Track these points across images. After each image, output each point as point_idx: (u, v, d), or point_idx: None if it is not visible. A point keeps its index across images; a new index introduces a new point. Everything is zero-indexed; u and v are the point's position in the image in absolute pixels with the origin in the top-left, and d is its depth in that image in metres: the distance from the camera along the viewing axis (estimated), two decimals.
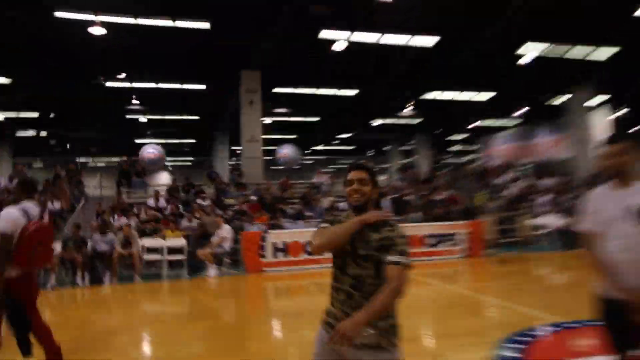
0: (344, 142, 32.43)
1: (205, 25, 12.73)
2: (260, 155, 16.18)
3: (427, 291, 7.94)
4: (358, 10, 12.69)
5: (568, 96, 19.58)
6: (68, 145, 27.61)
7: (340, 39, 13.64)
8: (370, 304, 1.86)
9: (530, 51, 15.33)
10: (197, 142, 28.69)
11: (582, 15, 12.88)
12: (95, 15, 12.01)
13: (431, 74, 17.22)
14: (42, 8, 11.70)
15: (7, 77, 16.09)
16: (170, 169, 30.43)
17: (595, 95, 19.27)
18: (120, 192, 13.93)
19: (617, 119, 21.21)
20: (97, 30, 12.54)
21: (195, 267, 10.46)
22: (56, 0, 11.56)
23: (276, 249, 10.53)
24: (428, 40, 14.10)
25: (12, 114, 20.44)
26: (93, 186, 17.12)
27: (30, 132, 23.68)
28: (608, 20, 13.62)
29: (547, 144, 21.80)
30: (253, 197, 13.41)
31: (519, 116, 23.63)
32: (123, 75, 16.48)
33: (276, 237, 10.68)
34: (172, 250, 10.25)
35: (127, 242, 9.77)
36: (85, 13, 11.98)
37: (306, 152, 31.27)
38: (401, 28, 13.52)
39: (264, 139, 23.46)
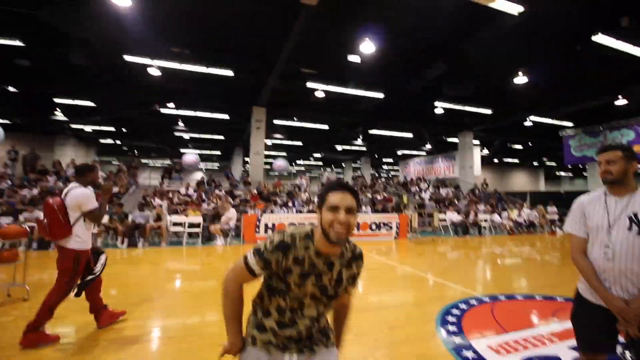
0: (317, 159, 31.36)
1: (229, 72, 11.50)
2: (262, 164, 14.89)
3: (376, 265, 6.73)
4: (332, 71, 11.73)
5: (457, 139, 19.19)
6: (135, 151, 25.64)
7: (319, 89, 12.51)
8: (341, 330, 1.41)
9: (439, 107, 14.66)
10: (221, 154, 26.97)
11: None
12: (152, 60, 10.80)
13: (376, 117, 16.39)
14: (116, 52, 10.36)
15: (92, 101, 14.48)
16: (204, 170, 28.74)
17: (473, 137, 19.01)
18: (162, 183, 12.32)
19: (482, 156, 21.07)
20: (154, 71, 11.44)
21: (208, 238, 9.14)
22: (125, 47, 10.22)
23: (266, 227, 9.21)
24: (377, 94, 13.08)
25: (96, 127, 18.52)
26: (144, 177, 15.60)
27: (109, 141, 21.65)
28: (488, 91, 13.11)
29: (443, 167, 21.34)
30: (254, 191, 12.07)
31: (428, 149, 23.11)
32: (172, 104, 14.98)
33: (267, 219, 9.40)
34: (191, 225, 8.89)
35: (158, 218, 8.36)
36: (145, 57, 10.66)
37: (292, 164, 30.56)
38: (361, 84, 12.62)
39: (266, 154, 22.49)
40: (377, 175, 28.19)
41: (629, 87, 12.45)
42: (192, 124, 18.07)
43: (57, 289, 2.87)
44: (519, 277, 5.80)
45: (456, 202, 13.84)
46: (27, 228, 4.66)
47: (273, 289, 1.20)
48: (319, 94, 13.06)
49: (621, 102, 13.81)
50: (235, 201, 10.74)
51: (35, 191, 9.62)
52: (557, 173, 36.47)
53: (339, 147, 24.69)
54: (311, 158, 31.04)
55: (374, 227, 10.21)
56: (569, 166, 29.51)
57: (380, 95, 13.21)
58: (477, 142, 20.14)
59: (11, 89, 12.92)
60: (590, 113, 15.51)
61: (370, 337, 3.10)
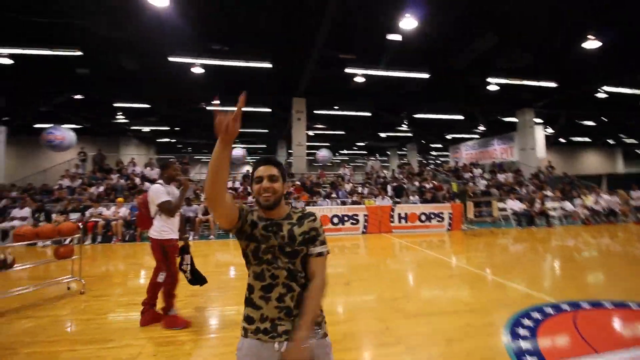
0: (360, 148, 30.55)
1: (268, 65, 11.37)
2: (304, 154, 14.68)
3: (427, 261, 6.15)
4: (371, 54, 10.99)
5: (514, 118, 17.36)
6: (189, 148, 27.04)
7: (358, 73, 11.88)
8: (305, 312, 1.20)
9: (492, 84, 13.20)
10: (267, 147, 27.39)
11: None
12: (195, 59, 11.06)
13: (422, 99, 15.30)
14: (160, 54, 10.72)
15: (147, 103, 15.35)
16: (251, 163, 29.51)
17: (534, 115, 17.06)
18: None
19: (546, 136, 18.70)
20: (197, 70, 11.72)
21: None
22: (168, 48, 10.51)
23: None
24: (421, 75, 12.10)
25: (153, 127, 19.72)
26: (196, 172, 16.19)
27: (166, 139, 23.01)
28: (551, 61, 11.51)
29: (500, 150, 19.46)
30: (298, 182, 11.91)
31: (481, 131, 21.19)
32: (217, 101, 15.26)
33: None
34: None
35: (206, 211, 8.50)
36: (187, 57, 10.94)
37: (336, 154, 30.10)
38: (403, 65, 11.72)
39: (308, 145, 22.32)
40: (425, 162, 26.62)
41: None
42: None
43: (155, 276, 3.30)
44: (603, 279, 4.87)
45: (517, 188, 12.39)
46: (80, 225, 4.88)
47: (248, 254, 1.28)
48: (359, 79, 12.42)
49: None
50: None
51: (101, 188, 10.38)
52: (639, 152, 31.61)
53: (382, 135, 23.73)
54: (355, 147, 30.33)
55: (423, 218, 9.46)
56: None
57: (425, 76, 12.20)
58: (539, 120, 17.98)
59: (77, 96, 14.11)
60: None
61: (423, 352, 2.65)
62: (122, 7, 8.27)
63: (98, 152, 13.69)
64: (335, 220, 8.89)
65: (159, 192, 3.12)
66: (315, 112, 16.89)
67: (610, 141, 27.26)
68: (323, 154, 16.93)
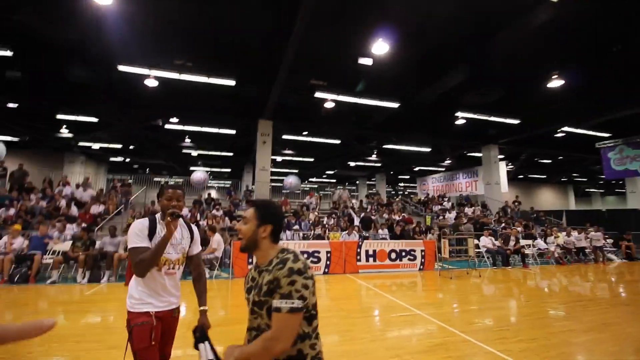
0: (330, 176, 29.78)
1: (231, 82, 10.32)
2: (268, 180, 13.41)
3: (388, 308, 4.97)
4: (342, 79, 10.37)
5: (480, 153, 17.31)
6: (147, 168, 24.83)
7: (329, 99, 11.13)
8: (244, 348, 1.18)
9: (460, 118, 13.00)
10: (231, 171, 25.79)
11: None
12: (149, 70, 9.76)
13: (391, 129, 14.87)
14: (109, 62, 9.35)
15: (95, 117, 13.60)
16: (216, 187, 27.62)
17: (499, 153, 17.12)
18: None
19: (508, 171, 18.88)
20: (151, 82, 10.38)
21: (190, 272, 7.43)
22: (119, 56, 9.12)
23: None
24: (391, 104, 11.58)
25: (103, 145, 17.70)
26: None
27: (119, 158, 20.84)
28: (516, 98, 11.54)
29: (465, 184, 19.36)
30: None
31: (447, 164, 21.16)
32: (176, 119, 13.93)
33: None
34: None
35: None
36: (141, 67, 9.61)
37: (305, 182, 29.07)
38: (374, 93, 11.16)
39: (276, 171, 21.19)
40: (393, 192, 26.23)
41: None
42: (199, 140, 16.98)
43: None
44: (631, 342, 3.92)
45: (490, 224, 11.80)
46: None
47: None
48: (329, 105, 11.69)
49: None
50: (233, 223, 9.19)
51: (12, 211, 8.42)
52: (587, 190, 33.43)
53: (352, 164, 23.13)
54: (324, 175, 29.53)
55: (393, 256, 8.34)
56: (612, 181, 26.82)
57: (395, 105, 11.71)
58: (502, 156, 18.17)
59: (10, 104, 12.16)
60: (633, 120, 13.43)
61: None
62: (62, 3, 6.99)
63: (19, 168, 11.56)
64: None
65: (133, 232, 1.86)
66: (283, 137, 15.94)
67: (564, 179, 28.49)
68: (291, 180, 15.77)
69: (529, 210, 15.74)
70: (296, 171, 23.66)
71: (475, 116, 12.88)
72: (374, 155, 19.53)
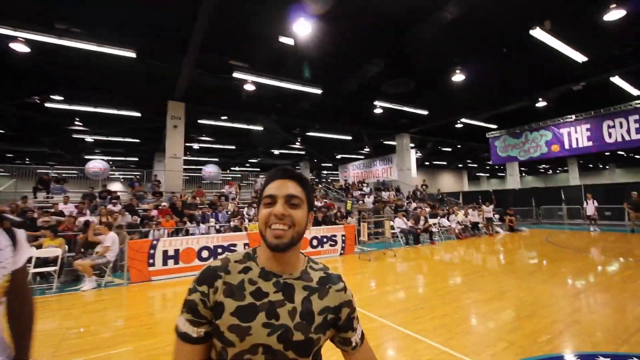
0: (253, 165, 28.61)
1: (130, 54, 8.69)
2: (181, 169, 12.00)
3: None
4: (263, 59, 9.66)
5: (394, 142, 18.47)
6: (27, 159, 20.24)
7: (249, 80, 10.29)
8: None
9: (378, 107, 13.49)
10: (139, 160, 22.73)
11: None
12: (14, 30, 7.57)
13: (314, 117, 14.69)
14: None
15: None
16: (121, 179, 24.09)
17: (410, 140, 18.45)
18: (25, 198, 8.44)
19: (417, 158, 20.65)
20: (20, 47, 8.17)
21: (74, 279, 6.02)
22: None
23: (166, 256, 6.07)
24: (314, 90, 11.31)
25: None
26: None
27: None
28: (426, 90, 12.36)
29: (382, 170, 20.48)
30: (165, 204, 9.23)
31: (366, 152, 22.12)
32: (60, 97, 11.38)
33: (168, 244, 6.19)
34: (44, 262, 5.58)
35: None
36: (5, 27, 7.35)
37: (227, 170, 27.39)
38: (297, 78, 10.82)
39: (193, 159, 19.43)
40: (316, 180, 26.61)
41: (549, 89, 12.57)
42: (95, 123, 14.32)
43: None
44: (550, 315, 4.25)
45: (403, 206, 12.56)
46: None
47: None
48: (250, 87, 10.84)
49: (541, 104, 14.09)
50: (134, 218, 7.84)
51: None
52: (477, 174, 38.90)
53: (276, 152, 22.51)
54: (247, 164, 28.23)
55: (315, 242, 8.14)
56: (496, 166, 31.40)
57: (318, 92, 11.49)
58: (412, 144, 19.68)
59: None
60: (514, 115, 15.73)
61: None
62: None
63: None
64: (205, 253, 6.43)
65: None
66: (200, 121, 14.45)
67: (460, 165, 32.53)
68: (210, 170, 14.41)
69: (434, 193, 17.34)
70: (216, 160, 22.04)
71: (391, 105, 13.48)
72: (297, 144, 19.25)
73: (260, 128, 16.10)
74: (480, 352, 2.91)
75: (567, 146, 13.95)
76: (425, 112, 14.61)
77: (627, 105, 11.85)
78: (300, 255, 0.85)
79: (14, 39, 7.94)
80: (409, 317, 3.86)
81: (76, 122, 13.84)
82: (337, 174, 25.76)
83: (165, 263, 6.08)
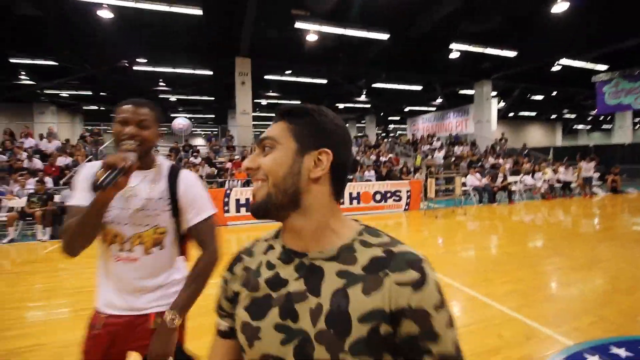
0: None
1: (197, 11, 8.92)
2: (250, 124, 12.54)
3: None
4: (327, 9, 9.09)
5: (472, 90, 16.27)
6: None
7: (311, 30, 9.84)
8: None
9: (454, 50, 11.86)
10: (215, 116, 24.26)
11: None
12: None
13: (381, 66, 13.67)
14: None
15: (53, 60, 12.05)
16: (202, 135, 26.42)
17: (491, 88, 16.08)
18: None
19: (498, 109, 18.05)
20: (105, 14, 8.93)
21: None
22: None
23: (239, 205, 6.67)
24: (381, 36, 10.34)
25: (72, 92, 16.17)
26: None
27: (94, 107, 19.25)
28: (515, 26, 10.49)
29: (456, 123, 18.66)
30: (237, 157, 9.85)
31: (438, 104, 20.17)
32: (144, 60, 12.46)
33: (239, 193, 6.72)
34: None
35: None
36: None
37: None
38: (362, 22, 9.90)
39: (263, 115, 20.07)
40: (384, 134, 25.52)
41: None
42: (175, 83, 15.54)
43: None
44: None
45: (477, 162, 11.40)
46: None
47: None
48: (312, 38, 10.39)
49: None
50: (212, 170, 8.58)
51: None
52: (575, 127, 33.00)
53: (340, 105, 21.95)
54: None
55: (378, 197, 7.93)
56: (600, 118, 26.31)
57: (385, 37, 10.47)
58: (494, 93, 17.24)
59: None
60: (632, 52, 12.38)
61: None
62: None
63: None
64: None
65: (75, 181, 1.11)
66: (265, 77, 14.63)
67: (553, 116, 27.87)
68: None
69: (518, 148, 15.35)
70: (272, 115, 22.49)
71: (471, 48, 11.76)
72: (363, 96, 18.41)
73: (324, 81, 15.69)
74: (560, 324, 2.56)
75: None
76: (512, 54, 12.43)
77: None
78: (335, 221, 0.54)
79: (100, 6, 8.68)
80: (478, 279, 3.58)
81: (160, 83, 15.19)
82: (405, 127, 24.38)
83: (238, 210, 6.65)
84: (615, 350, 2.15)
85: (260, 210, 0.51)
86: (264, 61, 12.58)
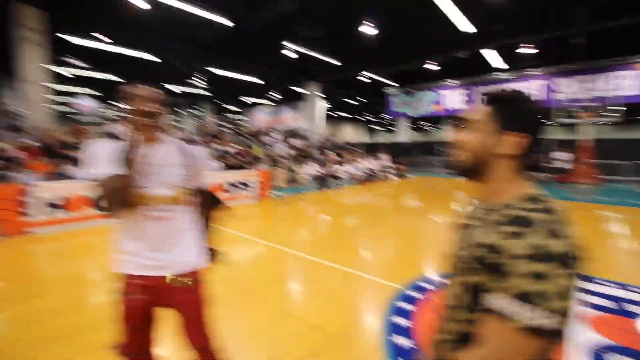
0: None
1: None
2: (43, 100, 9.37)
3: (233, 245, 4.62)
4: None
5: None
6: None
7: None
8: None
9: (289, 49, 12.83)
10: None
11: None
12: None
13: (220, 51, 13.13)
14: None
15: None
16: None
17: (320, 90, 18.46)
18: None
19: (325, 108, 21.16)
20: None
21: None
22: None
23: (51, 205, 4.96)
24: (224, 21, 9.95)
25: None
26: None
27: None
28: (338, 38, 12.12)
29: (291, 118, 20.40)
30: (34, 143, 7.21)
31: (274, 98, 21.35)
32: None
33: (49, 190, 5.00)
34: None
35: None
36: None
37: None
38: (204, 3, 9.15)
39: (64, 90, 15.57)
40: (222, 123, 24.74)
41: (441, 53, 13.77)
42: None
43: None
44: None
45: (313, 154, 12.93)
46: None
47: None
48: (141, 4, 8.70)
49: (430, 66, 15.54)
50: None
51: None
52: (373, 127, 42.44)
53: (176, 90, 19.62)
54: None
55: (228, 187, 7.81)
56: (389, 122, 34.50)
57: (227, 22, 10.12)
58: (324, 95, 19.83)
59: None
60: (409, 76, 17.05)
61: None
62: None
63: None
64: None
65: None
66: (72, 40, 11.23)
67: (359, 117, 34.86)
68: (85, 103, 11.66)
69: (341, 143, 18.36)
70: (99, 94, 17.91)
71: (303, 50, 12.97)
72: (201, 82, 17.14)
73: (158, 59, 13.62)
74: (371, 269, 3.43)
75: (447, 107, 16.23)
76: (338, 63, 14.62)
77: (493, 74, 14.29)
78: (509, 187, 0.66)
79: None
80: (328, 249, 4.22)
81: None
82: (244, 118, 24.52)
83: (49, 213, 4.92)
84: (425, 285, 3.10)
85: (458, 169, 0.70)
86: (67, 18, 9.63)
